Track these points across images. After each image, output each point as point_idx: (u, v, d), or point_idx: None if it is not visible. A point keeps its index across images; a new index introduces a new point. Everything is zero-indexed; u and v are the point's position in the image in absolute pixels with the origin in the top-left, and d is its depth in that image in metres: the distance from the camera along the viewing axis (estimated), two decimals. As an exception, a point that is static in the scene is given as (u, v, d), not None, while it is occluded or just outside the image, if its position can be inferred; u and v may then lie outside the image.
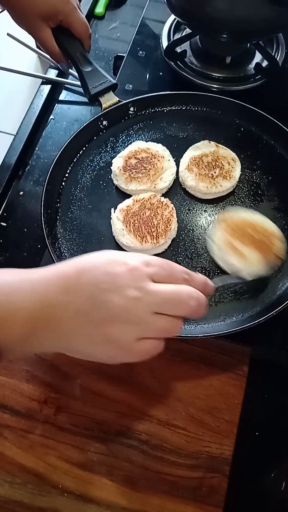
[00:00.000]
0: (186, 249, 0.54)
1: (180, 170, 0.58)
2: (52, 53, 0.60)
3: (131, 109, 0.62)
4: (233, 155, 0.58)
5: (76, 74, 0.70)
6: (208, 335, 0.47)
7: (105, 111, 0.60)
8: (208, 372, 0.52)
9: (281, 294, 0.51)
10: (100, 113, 0.60)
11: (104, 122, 0.61)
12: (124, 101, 0.61)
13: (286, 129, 0.58)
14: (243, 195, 0.57)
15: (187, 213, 0.56)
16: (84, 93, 0.61)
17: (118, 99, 0.60)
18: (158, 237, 0.51)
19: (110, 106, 0.60)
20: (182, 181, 0.57)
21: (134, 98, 0.62)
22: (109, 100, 0.60)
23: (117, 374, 0.51)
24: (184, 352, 0.52)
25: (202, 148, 0.58)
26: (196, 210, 0.57)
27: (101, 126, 0.61)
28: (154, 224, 0.52)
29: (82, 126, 0.59)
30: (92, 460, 0.47)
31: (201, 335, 0.48)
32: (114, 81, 0.60)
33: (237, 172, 0.56)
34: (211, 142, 0.59)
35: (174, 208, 0.54)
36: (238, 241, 0.47)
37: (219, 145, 0.59)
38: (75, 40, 0.60)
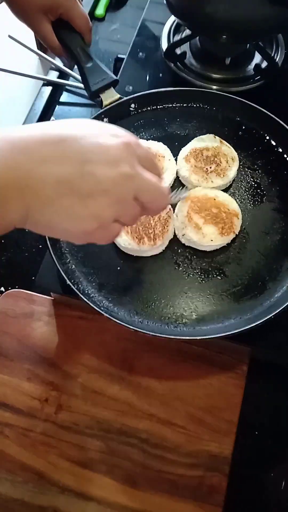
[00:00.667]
0: (184, 250, 0.54)
1: (178, 158, 0.58)
2: (52, 47, 0.59)
3: (132, 106, 0.61)
4: (234, 154, 0.58)
5: (76, 75, 0.70)
6: (206, 338, 0.47)
7: (106, 108, 0.59)
8: (208, 372, 0.52)
9: (279, 296, 0.50)
10: (101, 110, 0.59)
11: (105, 120, 0.60)
12: (125, 98, 0.60)
13: None
14: (243, 195, 0.57)
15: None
16: (85, 90, 0.60)
17: (119, 95, 0.60)
18: (156, 239, 0.51)
19: (111, 103, 0.59)
20: (178, 169, 0.58)
21: (136, 95, 0.61)
22: (110, 97, 0.59)
23: (117, 373, 0.52)
24: (184, 352, 0.53)
25: (206, 141, 0.58)
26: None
27: None
28: (151, 225, 0.52)
29: None
30: (93, 458, 0.48)
31: (199, 337, 0.48)
32: (115, 77, 0.59)
33: (232, 172, 0.56)
34: (216, 137, 0.58)
35: (171, 209, 0.54)
36: (199, 217, 0.52)
37: (224, 141, 0.58)
38: (76, 34, 0.59)
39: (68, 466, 0.47)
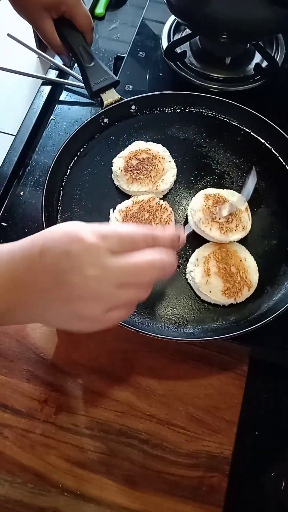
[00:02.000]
0: (185, 252, 0.53)
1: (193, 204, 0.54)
2: (53, 45, 0.59)
3: (133, 107, 0.61)
4: (247, 224, 0.52)
5: (76, 74, 0.70)
6: (206, 340, 0.47)
7: (106, 108, 0.59)
8: (208, 372, 0.52)
9: (277, 300, 0.50)
10: (101, 111, 0.59)
11: (105, 120, 0.60)
12: (126, 99, 0.60)
13: (285, 135, 0.58)
14: None
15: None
16: (85, 89, 0.60)
17: (119, 96, 0.60)
18: None
19: (112, 103, 0.60)
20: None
21: (136, 97, 0.61)
22: (111, 97, 0.59)
23: (117, 374, 0.51)
24: (184, 352, 0.53)
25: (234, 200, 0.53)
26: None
27: (102, 123, 0.60)
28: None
29: (83, 124, 0.58)
30: (92, 459, 0.48)
31: (199, 339, 0.48)
32: (117, 78, 0.59)
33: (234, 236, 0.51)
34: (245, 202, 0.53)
35: (172, 212, 0.54)
36: (215, 265, 0.50)
37: (248, 210, 0.53)
38: (77, 33, 0.59)
39: (67, 467, 0.47)
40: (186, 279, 0.52)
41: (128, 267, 0.32)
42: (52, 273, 0.32)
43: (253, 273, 0.51)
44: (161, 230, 0.35)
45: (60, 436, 0.48)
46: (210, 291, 0.49)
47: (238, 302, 0.50)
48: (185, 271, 0.52)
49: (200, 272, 0.50)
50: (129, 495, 0.46)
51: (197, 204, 0.54)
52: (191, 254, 0.53)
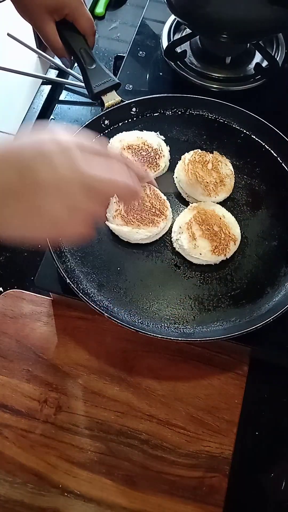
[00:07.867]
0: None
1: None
2: (55, 47, 0.59)
3: (133, 109, 0.62)
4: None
5: (76, 74, 0.70)
6: (207, 340, 0.47)
7: (107, 110, 0.60)
8: (208, 372, 0.52)
9: (277, 301, 0.51)
10: (102, 112, 0.60)
11: (106, 122, 0.61)
12: (127, 101, 0.61)
13: (285, 137, 0.58)
14: (241, 203, 0.57)
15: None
16: (86, 91, 0.60)
17: (120, 98, 0.60)
18: (156, 219, 0.52)
19: (113, 105, 0.60)
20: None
21: (137, 99, 0.61)
22: (112, 99, 0.60)
23: (117, 374, 0.51)
24: (184, 352, 0.53)
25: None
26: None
27: (103, 125, 0.61)
28: (148, 209, 0.52)
29: (84, 125, 0.59)
30: (92, 459, 0.48)
31: (199, 339, 0.48)
32: (118, 81, 0.60)
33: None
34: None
35: (166, 199, 0.54)
36: (198, 228, 0.52)
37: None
38: (79, 36, 0.59)
39: (68, 467, 0.47)
40: (174, 248, 0.53)
41: (98, 176, 0.33)
42: (15, 169, 0.31)
43: (234, 228, 0.53)
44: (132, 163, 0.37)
45: (60, 436, 0.48)
46: (200, 253, 0.51)
47: (228, 258, 0.52)
48: (172, 241, 0.53)
49: (186, 238, 0.51)
50: (129, 495, 0.46)
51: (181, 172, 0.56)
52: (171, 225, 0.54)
